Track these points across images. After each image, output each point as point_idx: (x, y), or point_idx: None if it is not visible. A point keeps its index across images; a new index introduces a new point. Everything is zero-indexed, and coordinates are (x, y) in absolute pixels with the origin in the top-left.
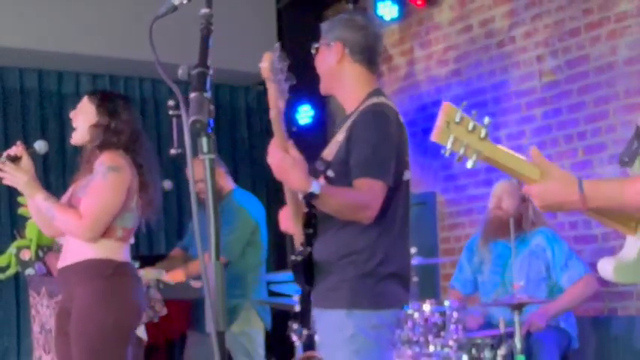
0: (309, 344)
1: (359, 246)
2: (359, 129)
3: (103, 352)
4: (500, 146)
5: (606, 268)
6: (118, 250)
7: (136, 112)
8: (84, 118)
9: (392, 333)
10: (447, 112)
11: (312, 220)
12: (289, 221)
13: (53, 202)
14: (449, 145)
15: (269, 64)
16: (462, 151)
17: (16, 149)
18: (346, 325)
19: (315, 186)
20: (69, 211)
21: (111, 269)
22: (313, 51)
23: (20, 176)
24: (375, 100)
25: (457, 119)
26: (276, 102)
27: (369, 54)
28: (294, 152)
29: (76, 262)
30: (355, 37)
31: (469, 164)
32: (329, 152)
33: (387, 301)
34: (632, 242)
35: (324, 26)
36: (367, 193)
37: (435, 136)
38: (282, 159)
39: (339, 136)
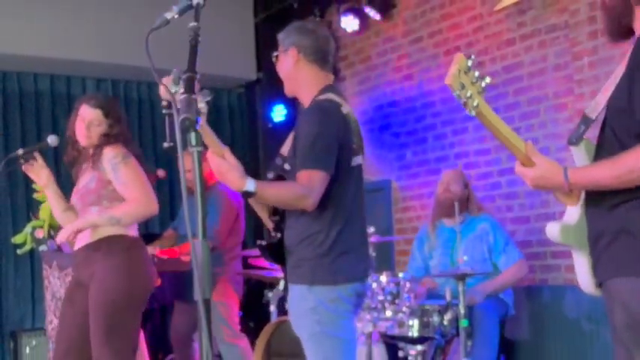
0: (283, 310)
1: (315, 229)
2: (300, 125)
3: (119, 320)
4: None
5: (554, 229)
6: (129, 227)
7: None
8: (99, 130)
9: (350, 304)
10: (460, 61)
11: (278, 209)
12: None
13: (106, 211)
14: (458, 91)
15: (165, 90)
16: (465, 98)
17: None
18: (308, 298)
19: (250, 185)
20: (123, 205)
21: (127, 243)
22: (274, 59)
23: (80, 224)
24: (320, 97)
25: (466, 69)
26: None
27: (322, 54)
28: (230, 157)
29: (96, 239)
30: (307, 40)
31: (470, 112)
32: (286, 148)
33: (343, 276)
34: (573, 210)
35: (280, 36)
36: (305, 184)
37: (448, 80)
38: (219, 164)
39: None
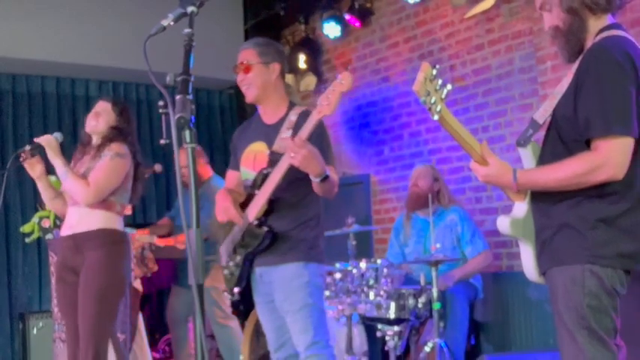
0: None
1: (310, 215)
2: (315, 132)
3: (105, 301)
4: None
5: (504, 222)
6: (117, 222)
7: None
8: (105, 119)
9: (324, 279)
10: (426, 70)
11: (272, 202)
12: (228, 212)
13: (69, 168)
14: (424, 97)
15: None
16: (430, 104)
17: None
18: (303, 274)
19: (328, 170)
20: (80, 179)
21: (116, 237)
22: (240, 68)
23: (51, 140)
24: (304, 108)
25: (431, 77)
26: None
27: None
28: (311, 145)
29: (88, 230)
30: (284, 62)
31: (434, 116)
32: (278, 147)
33: (326, 255)
34: (520, 206)
35: (256, 49)
36: (335, 176)
37: (415, 87)
38: (312, 150)
39: (285, 134)
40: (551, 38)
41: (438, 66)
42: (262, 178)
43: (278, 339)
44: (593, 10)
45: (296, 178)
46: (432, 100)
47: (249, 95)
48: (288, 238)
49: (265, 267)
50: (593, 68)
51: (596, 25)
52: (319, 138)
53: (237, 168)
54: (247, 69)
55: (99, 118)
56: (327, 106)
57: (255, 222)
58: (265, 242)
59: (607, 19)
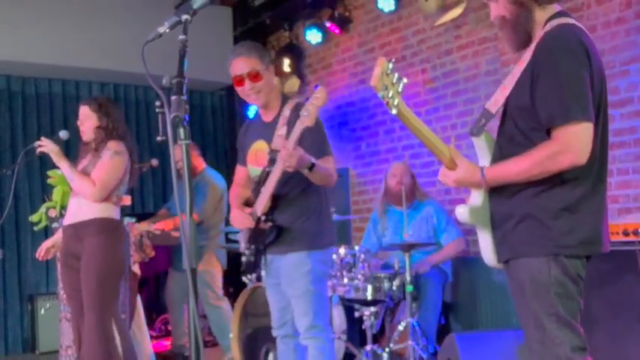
0: (258, 278)
1: (313, 206)
2: (312, 126)
3: (106, 283)
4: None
5: (464, 212)
6: (114, 212)
7: (120, 109)
8: (89, 123)
9: (330, 266)
10: (382, 64)
11: (275, 199)
12: (243, 220)
13: (74, 169)
14: (382, 92)
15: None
16: (388, 99)
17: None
18: (306, 262)
19: (313, 160)
20: (86, 177)
21: (113, 225)
22: (250, 76)
23: (53, 146)
24: (296, 101)
25: (388, 71)
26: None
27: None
28: (299, 150)
29: (88, 219)
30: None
31: (392, 110)
32: (275, 145)
33: (329, 242)
34: (476, 194)
35: (258, 54)
36: (333, 166)
37: (373, 82)
38: (300, 155)
39: (281, 131)
40: (498, 28)
41: (393, 59)
42: (265, 176)
43: (281, 318)
44: (539, 1)
45: (292, 176)
46: (390, 94)
47: (260, 101)
48: (292, 229)
49: (275, 255)
50: (548, 58)
51: (542, 15)
52: (313, 132)
53: (244, 164)
54: (257, 77)
55: (84, 125)
56: (307, 117)
57: (263, 217)
58: (272, 236)
59: (554, 8)
